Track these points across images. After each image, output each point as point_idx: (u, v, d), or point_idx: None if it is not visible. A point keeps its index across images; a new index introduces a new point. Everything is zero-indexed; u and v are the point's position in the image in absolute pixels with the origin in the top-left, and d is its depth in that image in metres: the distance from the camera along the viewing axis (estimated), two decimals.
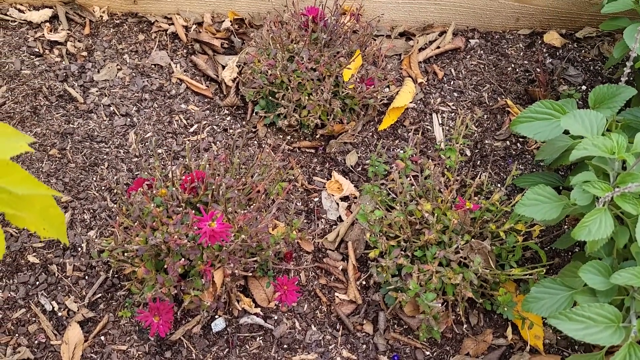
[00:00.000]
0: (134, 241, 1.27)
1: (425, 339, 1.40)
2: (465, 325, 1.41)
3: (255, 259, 1.28)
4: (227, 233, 1.18)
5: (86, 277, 1.47)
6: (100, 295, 1.45)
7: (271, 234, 1.38)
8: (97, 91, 1.79)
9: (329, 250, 1.55)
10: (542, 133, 1.22)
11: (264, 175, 1.42)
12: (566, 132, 1.25)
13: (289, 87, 1.60)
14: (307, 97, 1.59)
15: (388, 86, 1.84)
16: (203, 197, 1.35)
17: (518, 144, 1.79)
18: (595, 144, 1.01)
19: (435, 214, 1.38)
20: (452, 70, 1.96)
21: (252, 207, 1.34)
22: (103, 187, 1.61)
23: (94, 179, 1.61)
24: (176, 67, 1.88)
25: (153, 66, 1.88)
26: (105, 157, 1.66)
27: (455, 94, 1.89)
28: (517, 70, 1.95)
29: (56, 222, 0.89)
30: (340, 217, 1.61)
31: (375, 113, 1.80)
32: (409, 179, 1.41)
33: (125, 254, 1.31)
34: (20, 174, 0.77)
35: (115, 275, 1.47)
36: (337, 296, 1.48)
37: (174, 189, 1.30)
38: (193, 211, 1.24)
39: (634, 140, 1.04)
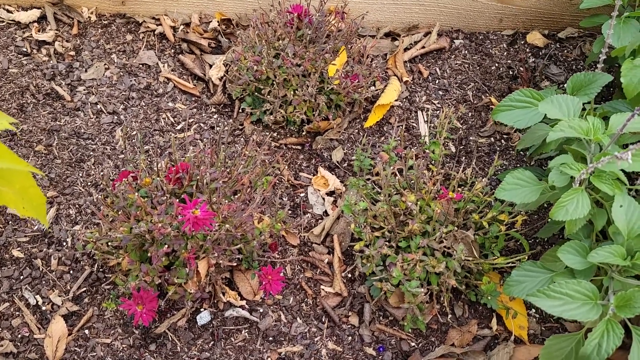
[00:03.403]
0: (119, 231, 1.27)
1: (410, 330, 1.41)
2: (450, 316, 1.42)
3: (239, 246, 1.28)
4: (210, 220, 1.19)
5: (71, 272, 1.47)
6: (85, 289, 1.44)
7: (256, 226, 1.39)
8: (84, 90, 1.81)
9: (314, 243, 1.56)
10: (521, 121, 1.24)
11: (248, 167, 1.43)
12: (546, 121, 1.28)
13: (275, 83, 1.62)
14: (292, 93, 1.61)
15: (374, 83, 1.87)
16: (188, 188, 1.36)
17: (502, 141, 1.81)
18: (572, 126, 1.03)
19: (419, 205, 1.40)
20: (437, 69, 1.98)
21: (236, 197, 1.35)
22: (89, 183, 1.61)
23: (80, 174, 1.62)
24: (164, 66, 1.90)
25: (141, 65, 1.89)
26: (91, 153, 1.67)
27: (441, 92, 1.92)
28: (501, 69, 1.98)
29: (35, 202, 0.89)
30: (326, 211, 1.62)
31: (361, 110, 1.82)
32: (392, 169, 1.43)
33: (110, 245, 1.31)
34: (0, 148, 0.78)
35: (100, 269, 1.47)
36: (323, 289, 1.48)
37: (158, 179, 1.31)
38: (177, 200, 1.24)
39: (609, 122, 1.06)
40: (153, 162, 1.60)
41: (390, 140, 1.49)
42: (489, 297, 1.34)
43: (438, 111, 1.86)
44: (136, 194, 1.25)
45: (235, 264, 1.33)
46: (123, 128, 1.72)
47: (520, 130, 1.81)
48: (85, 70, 1.85)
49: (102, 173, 1.59)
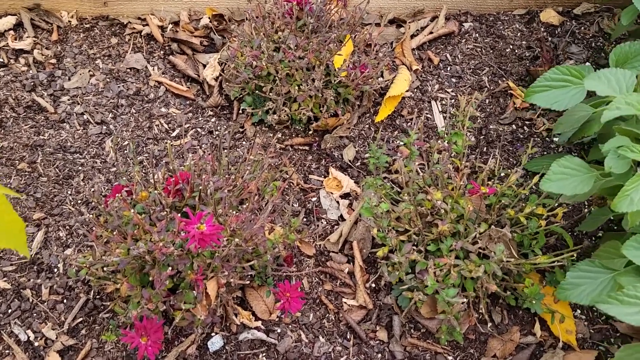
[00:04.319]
0: (114, 253, 1.13)
1: (446, 342, 1.27)
2: (489, 324, 1.28)
3: (252, 263, 1.14)
4: (218, 236, 1.05)
5: (64, 301, 1.32)
6: (81, 319, 1.30)
7: (268, 238, 1.24)
8: (68, 99, 1.66)
9: (332, 252, 1.42)
10: (560, 101, 1.11)
11: (255, 173, 1.29)
12: (586, 101, 1.14)
13: (277, 79, 1.48)
14: (297, 88, 1.47)
15: (382, 73, 1.73)
16: (189, 200, 1.21)
17: (525, 127, 1.68)
18: (629, 102, 0.89)
19: (448, 203, 1.26)
20: (448, 55, 1.85)
21: (244, 207, 1.21)
22: (79, 201, 1.47)
23: (69, 192, 1.47)
24: (153, 69, 1.75)
25: (128, 70, 1.75)
26: (80, 168, 1.53)
27: (454, 80, 1.78)
28: (516, 51, 1.85)
29: (13, 230, 0.75)
30: (341, 216, 1.48)
31: (370, 104, 1.68)
32: (415, 166, 1.28)
33: (106, 270, 1.17)
34: None
35: (97, 296, 1.32)
36: (345, 302, 1.34)
37: (156, 192, 1.17)
38: (179, 215, 1.10)
39: None
40: (149, 174, 1.46)
41: (410, 133, 1.35)
42: (533, 301, 1.20)
43: (453, 100, 1.73)
44: (132, 210, 1.10)
45: (247, 282, 1.18)
46: (113, 138, 1.57)
47: (545, 114, 1.68)
48: (69, 79, 1.70)
49: (92, 189, 1.45)
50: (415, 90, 1.75)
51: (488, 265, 1.18)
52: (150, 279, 1.09)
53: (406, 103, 1.72)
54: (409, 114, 1.69)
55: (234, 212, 1.17)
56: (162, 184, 1.24)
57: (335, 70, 1.51)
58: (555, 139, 1.58)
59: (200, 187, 1.18)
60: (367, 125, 1.66)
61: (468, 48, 1.85)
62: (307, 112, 1.50)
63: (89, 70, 1.73)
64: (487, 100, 1.73)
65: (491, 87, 1.75)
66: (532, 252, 1.25)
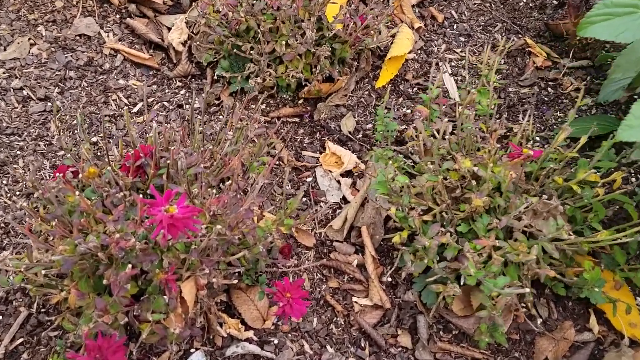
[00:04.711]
0: (57, 251, 0.85)
1: (486, 346, 1.02)
2: (539, 320, 1.04)
3: (239, 255, 0.87)
4: (194, 220, 0.78)
5: (1, 318, 1.03)
6: (21, 340, 1.02)
7: (258, 225, 0.98)
8: (4, 73, 1.37)
9: (335, 241, 1.16)
10: (627, 32, 0.87)
11: (237, 145, 1.02)
12: None
13: (259, 35, 1.21)
14: (283, 45, 1.21)
15: (379, 32, 1.48)
16: (155, 179, 0.94)
17: (549, 89, 1.44)
18: None
19: (482, 171, 1.01)
20: (453, 12, 1.61)
21: (226, 186, 0.94)
22: (18, 192, 1.18)
23: (4, 182, 1.19)
24: (108, 35, 1.47)
25: (78, 37, 1.46)
26: (19, 152, 1.24)
27: (462, 39, 1.54)
28: (530, 4, 1.62)
29: None
30: (344, 197, 1.22)
31: (369, 66, 1.43)
32: (445, 125, 1.04)
33: (48, 274, 0.88)
34: None
35: (42, 310, 1.04)
36: (357, 301, 1.09)
37: (110, 170, 0.89)
38: (141, 196, 0.82)
39: None
40: (103, 154, 1.18)
41: (430, 88, 1.10)
42: (594, 289, 0.96)
43: (463, 61, 1.49)
44: (78, 193, 0.83)
45: (234, 281, 0.91)
46: (60, 116, 1.29)
47: (571, 72, 1.45)
48: (4, 49, 1.41)
49: (27, 169, 1.16)
50: (419, 51, 1.51)
51: (540, 245, 0.93)
52: (106, 282, 0.81)
53: (410, 66, 1.47)
54: (414, 77, 1.45)
55: (214, 193, 0.90)
56: (120, 160, 0.96)
57: (328, 23, 1.26)
58: (588, 100, 1.35)
59: (169, 162, 0.91)
60: (367, 92, 1.41)
61: (475, 3, 1.62)
62: (297, 74, 1.24)
63: (29, 39, 1.44)
64: (502, 61, 1.49)
65: (505, 46, 1.51)
66: (588, 228, 1.01)
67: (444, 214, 1.01)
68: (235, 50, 1.25)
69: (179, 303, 0.88)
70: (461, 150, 1.06)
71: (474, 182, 1.00)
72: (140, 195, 0.83)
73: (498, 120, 1.08)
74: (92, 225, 0.87)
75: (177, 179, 0.92)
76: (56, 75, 1.39)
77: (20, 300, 1.05)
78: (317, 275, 1.12)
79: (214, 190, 0.89)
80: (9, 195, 1.17)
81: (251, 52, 1.23)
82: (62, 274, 0.92)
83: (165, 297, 0.85)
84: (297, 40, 1.19)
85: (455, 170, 1.03)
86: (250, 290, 1.06)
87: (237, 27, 1.21)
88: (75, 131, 1.28)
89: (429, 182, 1.01)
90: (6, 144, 1.25)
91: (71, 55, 1.43)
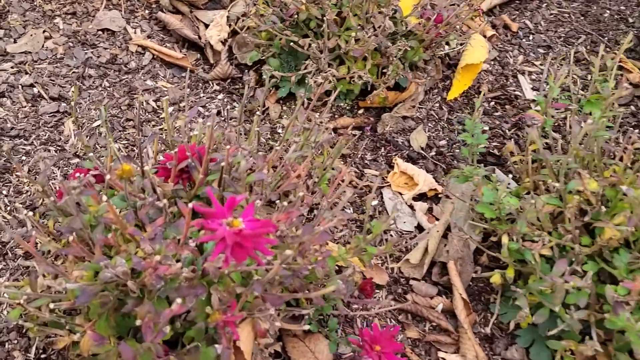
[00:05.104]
0: (71, 278, 0.62)
1: None
2: None
3: (324, 291, 0.65)
4: (265, 240, 0.55)
5: None
6: None
7: (333, 252, 0.76)
8: (12, 67, 1.17)
9: (412, 279, 0.93)
10: None
11: (303, 149, 0.81)
12: None
13: (321, 25, 1.02)
14: (352, 38, 1.01)
15: (447, 41, 1.28)
16: (201, 189, 0.72)
17: None
18: None
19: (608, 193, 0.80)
20: (527, 22, 1.42)
21: (293, 201, 0.73)
22: (20, 205, 0.96)
23: (4, 192, 0.97)
24: (135, 31, 1.28)
25: (100, 32, 1.27)
26: (24, 158, 1.03)
27: (541, 50, 1.35)
28: (615, 16, 1.43)
29: None
30: (419, 225, 1.00)
31: (440, 75, 1.23)
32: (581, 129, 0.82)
33: (56, 309, 0.66)
34: None
35: (41, 356, 0.81)
36: (444, 358, 0.85)
37: (147, 171, 0.68)
38: (189, 205, 0.60)
39: None
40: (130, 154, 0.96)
41: (551, 86, 0.89)
42: None
43: (544, 75, 1.29)
44: (105, 198, 0.61)
45: (306, 327, 0.68)
46: (75, 119, 1.08)
47: None
48: (14, 41, 1.22)
49: (33, 168, 0.94)
50: (493, 62, 1.31)
51: None
52: (140, 323, 0.59)
53: (483, 77, 1.28)
54: (489, 91, 1.25)
55: (283, 206, 0.68)
56: (156, 162, 0.75)
57: (402, 17, 1.06)
58: None
59: (223, 165, 0.69)
60: (437, 104, 1.20)
61: (552, 14, 1.44)
62: (364, 76, 1.03)
63: (44, 31, 1.24)
64: (589, 76, 1.29)
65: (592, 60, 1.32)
66: None
67: (569, 246, 0.78)
68: (291, 44, 1.05)
69: (233, 353, 0.65)
70: (587, 167, 0.84)
71: (603, 208, 0.79)
72: (186, 205, 0.61)
73: (635, 133, 0.87)
74: (120, 243, 0.65)
75: (233, 188, 0.70)
76: (73, 72, 1.19)
77: (15, 342, 0.82)
78: (391, 321, 0.89)
79: (285, 203, 0.67)
80: (8, 208, 0.95)
81: (309, 48, 1.03)
82: (73, 309, 0.70)
83: (216, 346, 0.62)
84: (367, 34, 0.99)
85: (579, 192, 0.81)
86: (311, 338, 0.83)
87: (295, 16, 1.02)
88: (93, 135, 1.07)
89: (547, 206, 0.80)
90: (10, 148, 1.04)
91: (91, 52, 1.23)
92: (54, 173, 1.02)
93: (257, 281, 0.64)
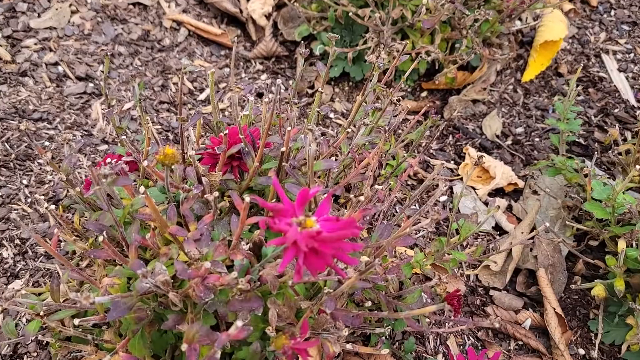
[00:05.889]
0: (100, 287, 0.51)
1: None
2: None
3: (430, 308, 0.52)
4: (349, 245, 0.43)
5: None
6: None
7: (412, 258, 0.63)
8: (35, 44, 1.07)
9: (493, 289, 0.80)
10: None
11: (372, 133, 0.69)
12: None
13: None
14: (423, 7, 0.88)
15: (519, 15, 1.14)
16: (255, 179, 0.60)
17: None
18: None
19: None
20: None
21: (365, 196, 0.60)
22: (42, 197, 0.86)
23: (24, 182, 0.87)
24: (169, 5, 1.17)
25: (131, 6, 1.17)
26: (47, 144, 0.92)
27: (625, 27, 1.20)
28: None
29: None
30: (497, 226, 0.87)
31: (513, 53, 1.09)
32: None
33: (81, 323, 0.54)
34: None
35: None
36: None
37: (191, 156, 0.56)
38: (245, 198, 0.48)
39: None
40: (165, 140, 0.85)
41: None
42: None
43: (631, 54, 1.14)
44: (143, 189, 0.49)
45: (385, 353, 0.56)
46: (104, 100, 0.98)
47: None
48: (38, 15, 1.12)
49: (56, 155, 0.84)
50: (571, 40, 1.17)
51: None
52: (186, 346, 0.47)
53: (560, 57, 1.13)
54: (569, 72, 1.11)
55: (352, 201, 0.56)
56: (198, 147, 0.63)
57: None
58: None
59: (283, 150, 0.57)
60: (511, 86, 1.07)
61: None
62: (434, 52, 0.90)
63: (70, 5, 1.14)
64: None
65: None
66: None
67: None
68: (349, 14, 0.92)
69: None
70: None
71: None
72: (246, 199, 0.49)
73: None
74: (160, 245, 0.54)
75: (294, 178, 0.58)
76: (101, 50, 1.08)
77: (35, 354, 0.71)
78: (468, 338, 0.76)
79: (361, 198, 0.55)
80: (29, 200, 0.85)
81: (369, 19, 0.91)
82: (102, 324, 0.59)
83: None
84: (440, 1, 0.86)
85: None
86: (377, 358, 0.70)
87: None
88: (124, 117, 0.96)
89: None
90: (31, 132, 0.93)
91: (122, 28, 1.12)
92: (79, 161, 0.91)
93: (329, 295, 0.51)
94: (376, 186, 0.59)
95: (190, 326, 0.47)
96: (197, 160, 0.64)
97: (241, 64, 1.11)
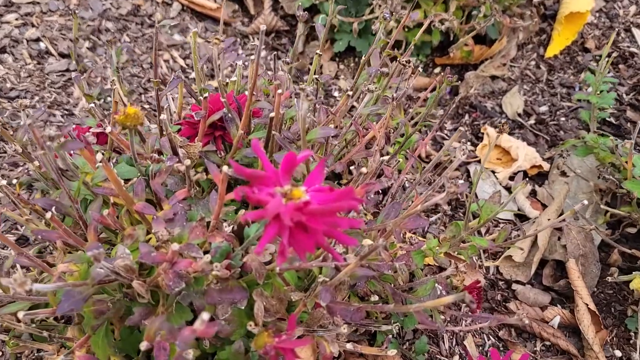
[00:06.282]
0: (55, 273, 0.43)
1: None
2: None
3: (397, 308, 0.43)
4: (345, 220, 0.34)
5: None
6: None
7: (426, 244, 0.55)
8: (16, 19, 1.00)
9: (516, 282, 0.72)
10: None
11: (378, 99, 0.61)
12: None
13: None
14: None
15: None
16: (241, 151, 0.52)
17: None
18: None
19: None
20: None
21: (368, 170, 0.52)
22: (15, 181, 0.78)
23: None
24: None
25: None
26: (23, 123, 0.84)
27: None
28: None
29: None
30: (520, 213, 0.78)
31: (535, 27, 1.00)
32: None
33: (24, 317, 0.46)
34: None
35: None
36: None
37: (164, 123, 0.48)
38: (225, 168, 0.40)
39: None
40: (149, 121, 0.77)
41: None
42: None
43: None
44: (100, 157, 0.41)
45: (392, 354, 0.48)
46: (86, 77, 0.90)
47: None
48: None
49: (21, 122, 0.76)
50: (598, 14, 1.08)
51: None
52: (146, 345, 0.39)
53: (587, 32, 1.04)
54: (596, 47, 1.01)
55: (354, 175, 0.48)
56: (178, 117, 0.55)
57: None
58: None
59: (271, 116, 0.49)
60: (533, 62, 0.98)
61: None
62: (449, 20, 0.82)
63: None
64: None
65: None
66: None
67: None
68: None
69: None
70: None
71: None
72: (227, 168, 0.41)
73: None
74: (125, 225, 0.46)
75: (287, 150, 0.50)
76: (88, 26, 1.01)
77: (0, 354, 0.64)
78: (488, 337, 0.68)
79: (364, 169, 0.46)
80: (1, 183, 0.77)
81: None
82: (61, 318, 0.51)
83: None
84: None
85: None
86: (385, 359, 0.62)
87: None
88: (108, 98, 0.88)
89: None
90: (8, 110, 0.86)
91: (110, 2, 1.05)
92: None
93: (325, 285, 0.43)
94: (381, 157, 0.50)
95: (151, 321, 0.39)
96: (177, 132, 0.56)
97: (238, 40, 1.02)
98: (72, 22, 1.02)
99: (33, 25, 1.00)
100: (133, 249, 0.46)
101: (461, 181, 0.83)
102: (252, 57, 0.53)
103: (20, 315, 0.43)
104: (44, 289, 0.38)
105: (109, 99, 0.80)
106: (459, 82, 0.92)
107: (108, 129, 0.46)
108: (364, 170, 0.46)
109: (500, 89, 0.93)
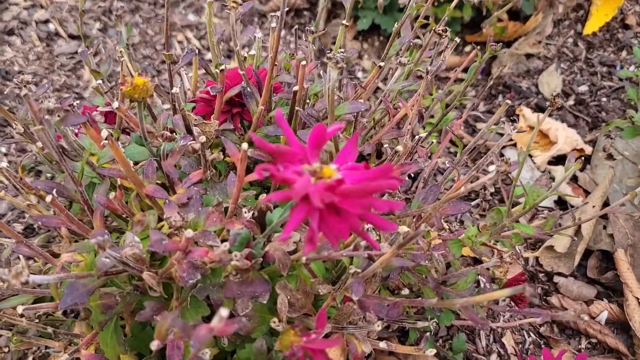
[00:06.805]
0: (57, 263, 0.39)
1: None
2: None
3: (440, 303, 0.39)
4: (382, 203, 0.30)
5: None
6: None
7: (465, 232, 0.50)
8: (25, 0, 0.96)
9: (557, 274, 0.67)
10: None
11: (410, 73, 0.56)
12: None
13: None
14: None
15: None
16: (261, 129, 0.48)
17: None
18: None
19: None
20: None
21: (408, 145, 0.47)
22: (14, 166, 0.74)
23: (4, 150, 0.76)
24: None
25: None
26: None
27: None
28: None
29: None
30: (560, 199, 0.73)
31: (573, 2, 0.94)
32: None
33: (23, 311, 0.43)
34: None
35: None
36: None
37: (177, 99, 0.44)
38: (245, 145, 0.36)
39: None
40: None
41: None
42: None
43: None
44: (105, 133, 0.37)
45: (431, 354, 0.43)
46: (99, 61, 0.86)
47: None
48: None
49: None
50: None
51: None
52: (156, 345, 0.35)
53: (627, 7, 0.98)
54: (638, 24, 0.95)
55: (386, 156, 0.43)
56: (192, 94, 0.51)
57: None
58: None
59: (295, 90, 0.45)
60: (571, 39, 0.92)
61: None
62: None
63: None
64: None
65: None
66: None
67: None
68: None
69: None
70: None
71: None
72: (243, 148, 0.37)
73: None
74: (135, 210, 0.41)
75: (311, 126, 0.45)
76: (99, 7, 0.97)
77: (6, 350, 0.60)
78: (529, 334, 0.63)
79: (399, 147, 0.42)
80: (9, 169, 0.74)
81: None
82: (76, 312, 0.47)
83: None
84: None
85: None
86: (417, 359, 0.57)
87: None
88: (118, 79, 0.84)
89: None
90: (16, 95, 0.83)
91: None
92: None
93: (357, 277, 0.39)
94: (417, 135, 0.45)
95: (163, 317, 0.35)
96: (191, 109, 0.52)
97: (255, 19, 0.98)
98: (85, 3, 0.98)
99: (42, 7, 0.97)
100: (143, 236, 0.41)
101: (495, 166, 0.78)
102: (273, 24, 0.48)
103: (20, 309, 0.39)
104: (43, 281, 0.34)
105: (119, 82, 0.76)
106: (492, 61, 0.87)
107: (115, 104, 0.42)
108: (399, 148, 0.42)
109: (536, 67, 0.87)
